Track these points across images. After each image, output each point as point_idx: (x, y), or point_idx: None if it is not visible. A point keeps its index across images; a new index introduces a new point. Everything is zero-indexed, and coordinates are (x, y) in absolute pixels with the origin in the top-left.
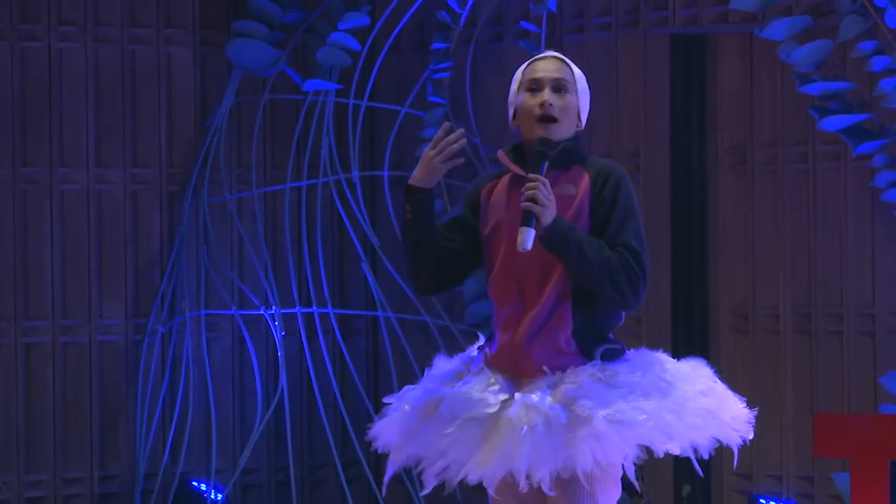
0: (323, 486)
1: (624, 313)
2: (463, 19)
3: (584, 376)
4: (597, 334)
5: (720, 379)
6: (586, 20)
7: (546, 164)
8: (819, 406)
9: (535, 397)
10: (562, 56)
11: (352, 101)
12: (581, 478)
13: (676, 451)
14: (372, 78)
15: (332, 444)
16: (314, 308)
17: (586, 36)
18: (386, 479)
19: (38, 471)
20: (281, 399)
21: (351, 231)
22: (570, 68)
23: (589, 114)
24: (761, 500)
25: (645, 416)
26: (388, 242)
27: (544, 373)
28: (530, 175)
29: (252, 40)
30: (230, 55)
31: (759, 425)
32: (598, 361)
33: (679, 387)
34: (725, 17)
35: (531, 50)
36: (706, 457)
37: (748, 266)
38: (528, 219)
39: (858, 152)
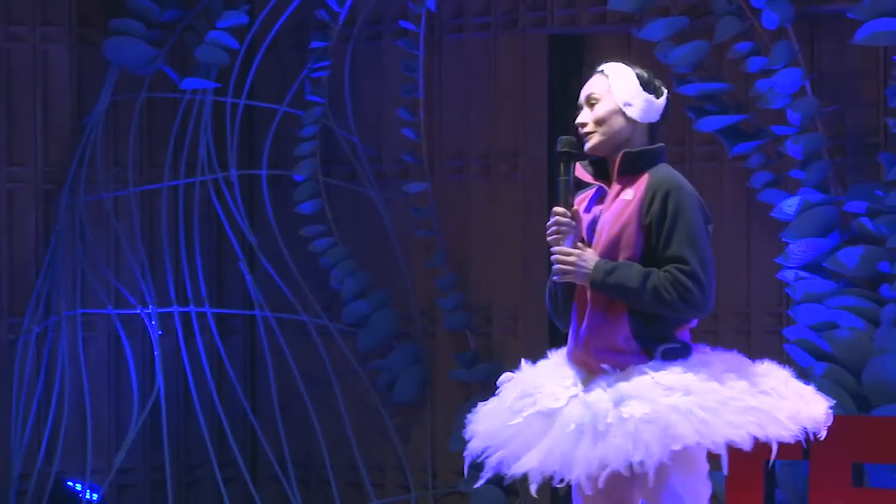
0: (199, 486)
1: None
2: (341, 18)
3: (637, 375)
4: (658, 335)
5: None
6: (465, 20)
7: (573, 164)
8: None
9: (592, 396)
10: (605, 68)
11: (230, 100)
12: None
13: (712, 448)
14: (250, 76)
15: (209, 444)
16: (191, 307)
17: (465, 36)
18: (465, 467)
19: None
20: (157, 398)
21: (228, 230)
22: (607, 77)
23: (641, 106)
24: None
25: (680, 416)
26: (266, 241)
27: (606, 371)
28: (555, 209)
29: (129, 38)
30: (107, 53)
31: None
32: (658, 361)
33: (730, 385)
34: (603, 17)
35: (410, 49)
36: (747, 450)
37: None
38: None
39: (734, 153)
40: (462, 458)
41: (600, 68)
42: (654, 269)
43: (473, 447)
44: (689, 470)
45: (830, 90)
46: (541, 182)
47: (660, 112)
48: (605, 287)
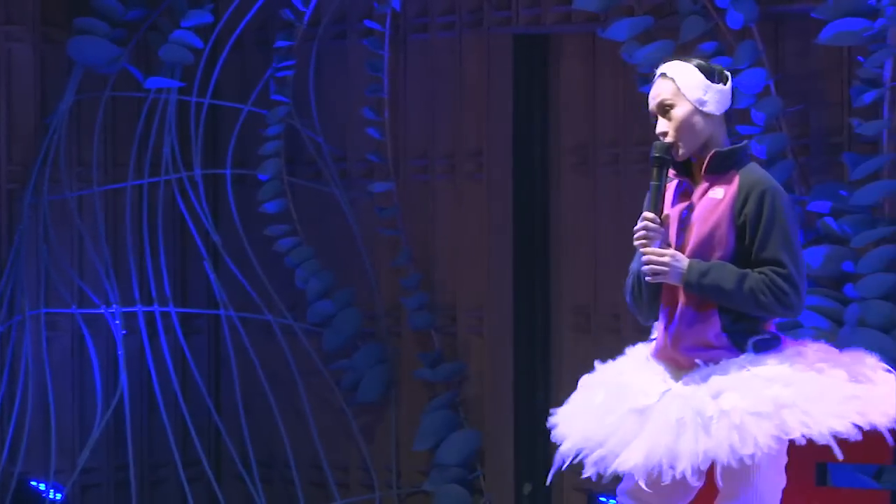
0: (163, 486)
1: None
2: (306, 17)
3: (734, 368)
4: (749, 328)
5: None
6: (430, 19)
7: (666, 170)
8: None
9: (687, 390)
10: (664, 70)
11: (194, 99)
12: (721, 469)
13: (817, 439)
14: (215, 76)
15: (173, 444)
16: (155, 306)
17: (430, 35)
18: (552, 470)
19: None
20: (121, 398)
21: (193, 229)
22: (672, 79)
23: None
24: (601, 499)
25: (784, 408)
26: (230, 241)
27: (698, 365)
28: (644, 215)
29: (93, 37)
30: (71, 52)
31: None
32: (751, 352)
33: (828, 374)
34: (568, 17)
35: (374, 49)
36: (852, 439)
37: (590, 266)
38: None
39: None
40: (425, 457)
41: (661, 71)
42: (750, 271)
43: (566, 449)
44: (774, 463)
45: (794, 90)
46: (506, 182)
47: (730, 97)
48: (701, 288)
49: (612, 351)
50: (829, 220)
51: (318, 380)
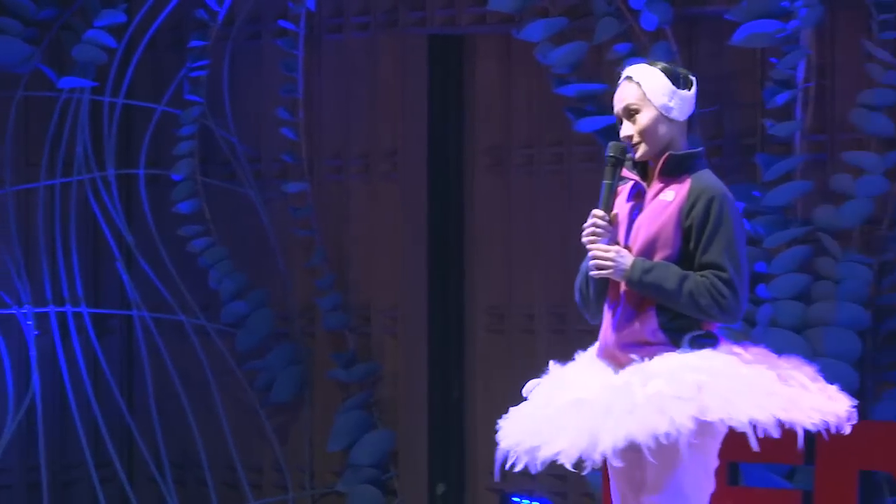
0: (75, 487)
1: None
2: (220, 17)
3: (667, 360)
4: (686, 326)
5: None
6: (344, 20)
7: (619, 171)
8: None
9: (620, 380)
10: (631, 73)
11: (108, 99)
12: (646, 449)
13: (737, 427)
14: (128, 75)
15: (85, 445)
16: (68, 307)
17: (344, 35)
18: (496, 467)
19: None
20: (33, 399)
21: (106, 229)
22: (638, 84)
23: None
24: (514, 499)
25: (706, 392)
26: (144, 241)
27: (635, 359)
28: (594, 212)
29: (5, 36)
30: None
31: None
32: (686, 347)
33: (758, 371)
34: (483, 18)
35: (289, 49)
36: (775, 435)
37: (504, 266)
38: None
39: None
40: (339, 458)
41: (627, 74)
42: (692, 273)
43: (506, 446)
44: (700, 462)
45: (708, 91)
46: (420, 182)
47: (693, 102)
48: (642, 285)
49: (526, 351)
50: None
51: (231, 380)
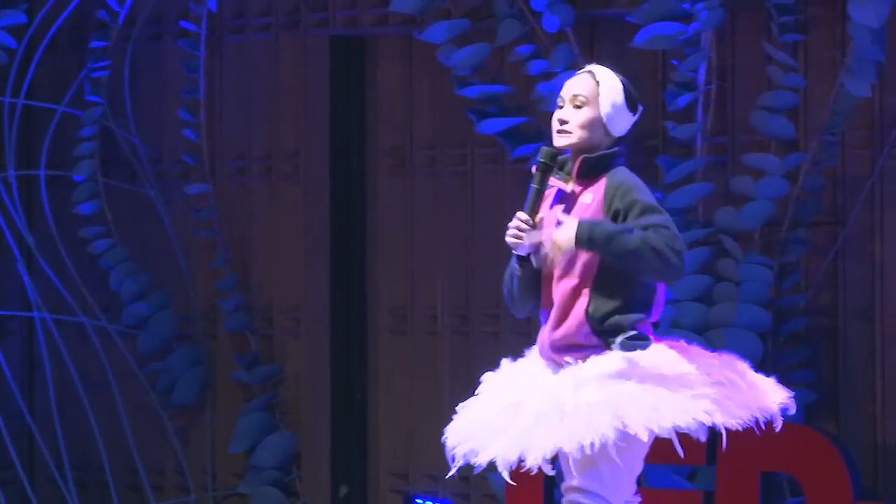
0: None
1: (653, 309)
2: (121, 18)
3: (599, 365)
4: (618, 328)
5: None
6: (246, 21)
7: (548, 176)
8: None
9: (554, 385)
10: (595, 71)
11: (8, 100)
12: (572, 460)
13: (660, 434)
14: (28, 76)
15: None
16: None
17: (246, 36)
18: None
19: None
20: None
21: (6, 231)
22: (598, 83)
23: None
24: (417, 500)
25: (633, 401)
26: (45, 242)
27: (569, 362)
28: (518, 215)
29: None
30: None
31: (416, 425)
32: (618, 350)
33: (685, 374)
34: (386, 19)
35: (190, 50)
36: (702, 439)
37: (407, 267)
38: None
39: (516, 155)
40: (241, 460)
41: (589, 69)
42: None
43: (452, 443)
44: (628, 457)
45: None
46: (323, 183)
47: (629, 127)
48: (592, 242)
49: (429, 352)
50: None
51: (133, 382)
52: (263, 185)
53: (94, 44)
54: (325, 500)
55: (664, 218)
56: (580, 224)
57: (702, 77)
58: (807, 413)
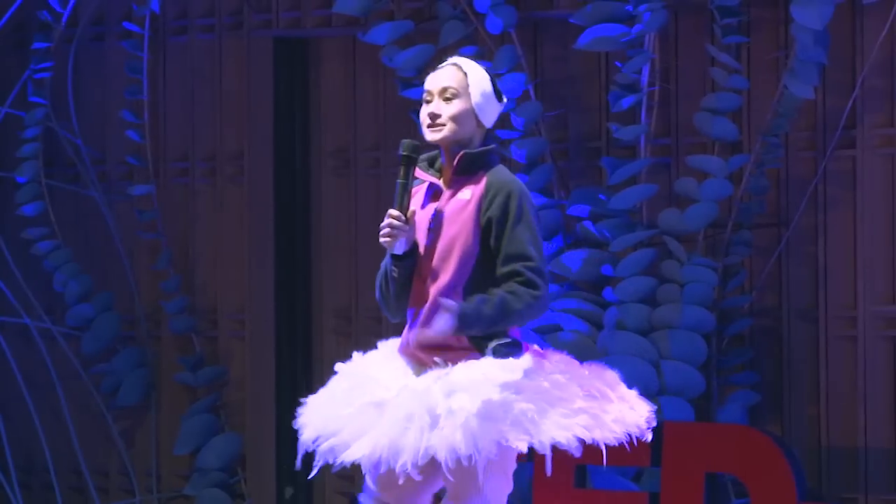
0: None
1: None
2: (64, 19)
3: (469, 370)
4: (491, 333)
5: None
6: (189, 22)
7: (413, 169)
8: None
9: (422, 386)
10: (460, 63)
11: None
12: (445, 467)
13: (538, 448)
14: None
15: None
16: None
17: (189, 37)
18: (297, 459)
19: None
20: None
21: None
22: (466, 74)
23: (486, 113)
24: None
25: (510, 415)
26: None
27: (437, 364)
28: (389, 212)
29: None
30: None
31: None
32: (490, 356)
33: (560, 386)
34: (329, 20)
35: (134, 51)
36: (577, 455)
37: (351, 269)
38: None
39: None
40: (186, 461)
41: (453, 61)
42: (489, 293)
43: (306, 438)
44: (501, 468)
45: (553, 94)
46: (266, 184)
47: (497, 117)
48: (465, 322)
49: None
50: (588, 224)
51: (77, 384)
52: (207, 186)
53: (36, 45)
54: (271, 502)
55: (536, 251)
56: (453, 325)
57: (645, 79)
58: (751, 414)
